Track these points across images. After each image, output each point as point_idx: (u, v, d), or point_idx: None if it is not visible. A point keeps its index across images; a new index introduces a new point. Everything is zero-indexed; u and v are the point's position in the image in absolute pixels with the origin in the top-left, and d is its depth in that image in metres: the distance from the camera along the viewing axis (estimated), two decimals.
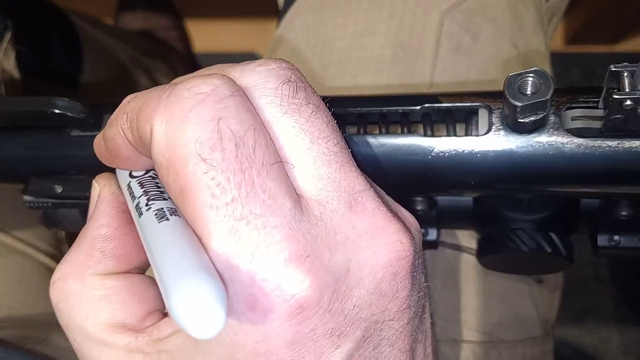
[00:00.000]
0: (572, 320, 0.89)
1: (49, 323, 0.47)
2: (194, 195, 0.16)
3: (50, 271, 0.49)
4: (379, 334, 0.18)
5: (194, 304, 0.14)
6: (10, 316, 0.45)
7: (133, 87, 0.76)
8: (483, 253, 0.30)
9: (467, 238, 0.36)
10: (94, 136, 0.27)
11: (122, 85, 0.74)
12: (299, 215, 0.17)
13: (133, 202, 0.20)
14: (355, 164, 0.19)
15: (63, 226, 0.33)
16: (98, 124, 0.27)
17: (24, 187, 0.29)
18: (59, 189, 0.28)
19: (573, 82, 1.01)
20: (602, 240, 0.29)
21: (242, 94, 0.18)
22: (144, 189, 0.20)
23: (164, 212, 0.18)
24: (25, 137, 0.28)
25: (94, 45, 0.69)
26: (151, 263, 0.17)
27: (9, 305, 0.45)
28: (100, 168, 0.26)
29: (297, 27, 0.42)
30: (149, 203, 0.19)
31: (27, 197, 0.29)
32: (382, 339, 0.19)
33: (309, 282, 0.16)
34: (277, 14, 0.48)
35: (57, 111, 0.25)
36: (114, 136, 0.20)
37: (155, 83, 0.80)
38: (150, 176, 0.21)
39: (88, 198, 0.28)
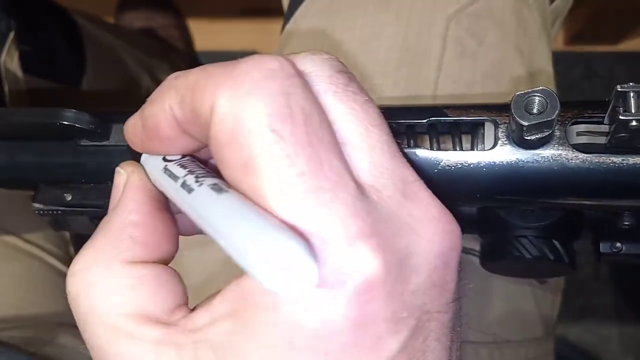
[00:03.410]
0: (572, 319, 0.90)
1: (57, 323, 0.47)
2: (261, 167, 0.16)
3: (56, 272, 0.50)
4: (428, 326, 0.18)
5: (282, 257, 0.14)
6: (18, 316, 0.45)
7: (135, 87, 0.76)
8: (487, 259, 0.31)
9: (471, 240, 0.37)
10: (103, 146, 0.27)
11: (124, 84, 0.74)
12: (362, 196, 0.17)
13: (176, 182, 0.19)
14: (403, 156, 0.19)
15: (71, 229, 0.33)
16: (106, 134, 0.27)
17: (33, 195, 0.30)
18: (68, 197, 0.29)
19: (574, 81, 1.01)
20: (604, 247, 0.29)
21: (303, 76, 0.18)
22: (189, 169, 0.19)
23: (220, 186, 0.17)
24: (35, 147, 0.28)
25: (97, 44, 0.69)
26: (215, 234, 0.16)
27: (17, 305, 0.46)
28: (110, 177, 0.26)
29: (304, 30, 0.42)
30: (198, 179, 0.18)
31: (36, 205, 0.29)
32: (431, 331, 0.18)
33: (378, 261, 0.16)
34: (279, 13, 0.48)
35: (65, 123, 0.26)
36: (156, 113, 0.19)
37: (157, 82, 0.80)
38: (189, 159, 0.20)
39: (97, 206, 0.29)
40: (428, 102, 0.37)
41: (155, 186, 0.21)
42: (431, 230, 0.18)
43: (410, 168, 0.19)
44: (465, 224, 0.32)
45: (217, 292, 0.18)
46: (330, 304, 0.16)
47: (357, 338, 0.16)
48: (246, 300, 0.17)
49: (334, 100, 0.18)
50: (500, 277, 0.37)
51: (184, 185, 0.18)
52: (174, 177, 0.19)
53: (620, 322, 0.91)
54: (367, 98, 0.19)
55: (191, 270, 0.39)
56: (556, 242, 0.28)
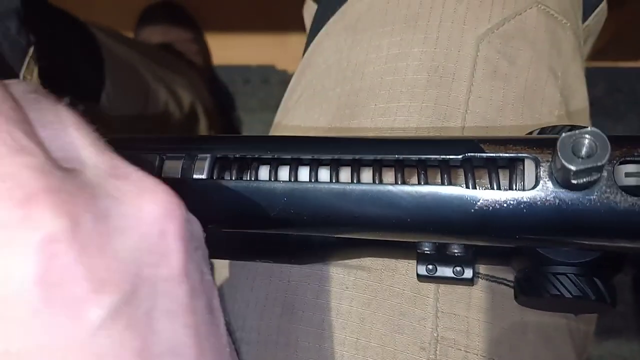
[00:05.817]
0: (595, 342, 0.87)
1: None
2: None
3: None
4: (154, 298, 0.18)
5: None
6: None
7: (153, 101, 0.76)
8: (522, 295, 0.29)
9: (503, 270, 0.35)
10: None
11: (143, 99, 0.74)
12: (55, 165, 0.17)
13: None
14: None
15: None
16: None
17: None
18: None
19: (596, 98, 0.99)
20: None
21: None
22: None
23: None
24: None
25: (115, 59, 0.69)
26: None
27: None
28: None
29: (328, 48, 0.41)
30: None
31: None
32: (157, 304, 0.18)
33: (61, 215, 0.16)
34: (297, 27, 0.47)
35: None
36: None
37: (174, 96, 0.80)
38: None
39: None
40: (458, 124, 0.36)
41: None
42: (142, 199, 0.18)
43: (124, 161, 0.19)
44: (499, 258, 0.31)
45: None
46: (12, 261, 0.15)
47: (47, 296, 0.16)
48: None
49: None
50: (534, 310, 0.35)
51: None
52: None
53: None
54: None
55: None
56: (597, 280, 0.26)
